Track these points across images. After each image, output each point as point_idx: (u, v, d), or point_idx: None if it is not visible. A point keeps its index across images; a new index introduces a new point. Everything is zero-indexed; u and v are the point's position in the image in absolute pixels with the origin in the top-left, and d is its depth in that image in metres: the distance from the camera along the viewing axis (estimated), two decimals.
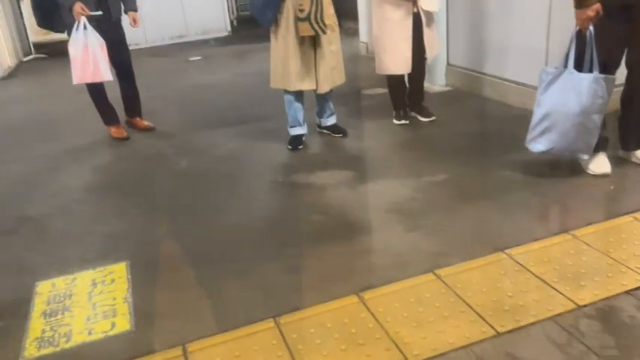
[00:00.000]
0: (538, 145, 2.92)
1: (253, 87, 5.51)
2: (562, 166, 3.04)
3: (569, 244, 2.34)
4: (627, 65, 2.86)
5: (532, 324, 1.89)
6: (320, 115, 3.97)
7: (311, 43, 3.49)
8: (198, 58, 7.76)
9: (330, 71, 3.61)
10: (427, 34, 3.81)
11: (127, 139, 4.21)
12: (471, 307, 2.00)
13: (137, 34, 8.98)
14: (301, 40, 3.44)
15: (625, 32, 2.72)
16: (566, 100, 2.78)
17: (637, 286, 2.03)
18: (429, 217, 2.68)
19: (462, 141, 3.69)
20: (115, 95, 4.35)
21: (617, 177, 2.90)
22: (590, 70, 2.74)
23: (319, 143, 3.89)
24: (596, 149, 2.95)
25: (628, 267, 2.15)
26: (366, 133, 4.00)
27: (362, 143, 3.83)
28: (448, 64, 5.07)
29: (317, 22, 3.28)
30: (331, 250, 2.46)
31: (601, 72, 2.72)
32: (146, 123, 4.43)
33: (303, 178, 3.29)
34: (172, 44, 9.07)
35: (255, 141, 3.99)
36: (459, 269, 2.23)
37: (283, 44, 3.49)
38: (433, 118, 4.06)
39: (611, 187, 2.81)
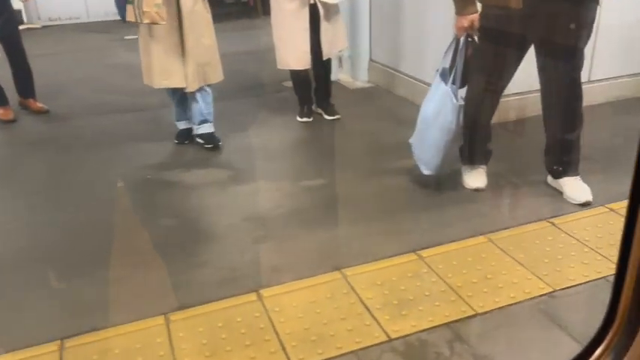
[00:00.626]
0: (412, 138, 2.82)
1: None
2: (450, 175, 2.91)
3: (411, 266, 2.20)
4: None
5: (334, 358, 1.76)
6: (191, 119, 3.46)
7: (177, 36, 3.12)
8: (135, 37, 7.44)
9: (201, 68, 3.23)
10: (326, 28, 3.59)
11: (12, 121, 3.96)
12: (278, 335, 1.86)
13: (78, 7, 8.66)
14: (163, 31, 3.09)
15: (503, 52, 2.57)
16: (427, 102, 2.69)
17: (458, 317, 1.91)
18: (284, 228, 2.53)
19: (358, 143, 3.54)
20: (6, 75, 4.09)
21: (487, 193, 2.78)
22: (454, 82, 2.58)
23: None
24: (475, 162, 2.82)
25: (459, 295, 2.03)
26: (266, 129, 3.81)
27: (255, 140, 3.63)
28: (371, 59, 4.91)
29: (138, 8, 2.91)
30: (160, 262, 2.29)
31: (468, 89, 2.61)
32: (39, 105, 4.16)
33: (176, 176, 3.10)
34: (116, 20, 8.70)
35: (145, 131, 3.76)
36: (286, 289, 2.08)
37: (144, 37, 3.18)
38: (337, 116, 3.88)
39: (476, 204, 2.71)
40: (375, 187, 2.89)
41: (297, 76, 3.85)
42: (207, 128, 3.44)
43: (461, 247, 2.32)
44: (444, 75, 2.62)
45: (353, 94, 4.62)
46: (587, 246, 2.31)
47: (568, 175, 2.72)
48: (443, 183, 2.85)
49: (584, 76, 3.87)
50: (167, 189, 2.96)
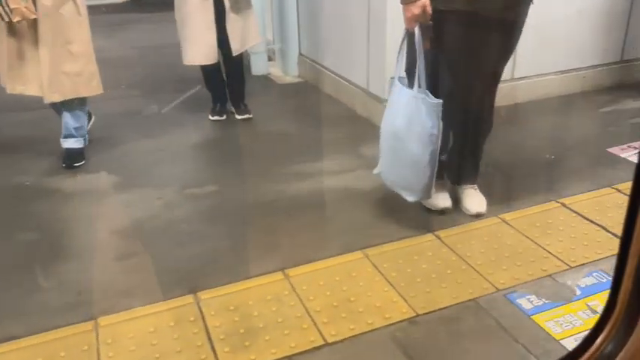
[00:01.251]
0: (378, 167, 2.42)
1: (106, 62, 5.01)
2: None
3: (273, 288, 2.03)
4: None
5: None
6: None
7: (32, 39, 2.74)
8: None
9: (68, 78, 2.84)
10: (234, 22, 3.38)
11: None
12: None
13: None
14: (13, 30, 2.73)
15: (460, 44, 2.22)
16: (387, 116, 2.31)
17: (304, 349, 1.76)
18: (153, 244, 2.34)
19: (267, 145, 3.35)
20: None
21: (379, 203, 2.62)
22: (420, 85, 2.18)
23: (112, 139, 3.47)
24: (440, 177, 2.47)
25: (314, 321, 1.86)
26: (173, 128, 3.58)
27: (157, 141, 3.40)
28: (300, 53, 4.71)
29: (6, 6, 2.58)
30: (3, 284, 2.10)
31: (431, 89, 2.18)
32: None
33: (57, 182, 2.88)
34: None
35: (40, 131, 3.51)
36: (127, 317, 1.90)
37: (1, 36, 2.78)
38: (247, 116, 3.67)
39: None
40: (269, 196, 2.71)
41: (206, 71, 3.64)
42: (70, 143, 3.06)
43: (332, 265, 2.16)
44: (403, 80, 2.26)
45: (279, 89, 4.43)
46: (466, 262, 2.17)
47: (466, 184, 2.59)
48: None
49: (507, 74, 3.78)
50: (42, 197, 2.74)
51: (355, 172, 2.93)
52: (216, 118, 3.69)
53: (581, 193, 2.64)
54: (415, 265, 2.16)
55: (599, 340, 0.78)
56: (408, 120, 2.20)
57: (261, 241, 2.33)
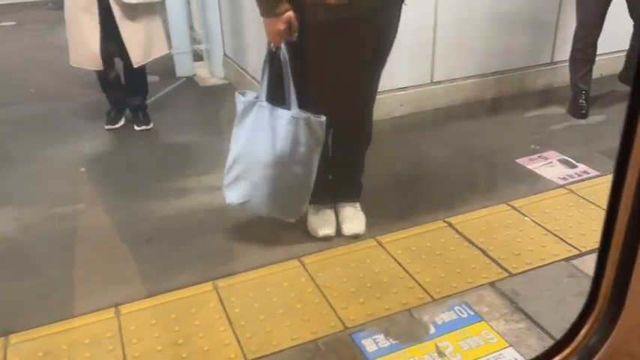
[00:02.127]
0: (232, 193, 2.19)
1: (26, 63, 4.80)
2: None
3: (99, 328, 1.84)
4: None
5: None
6: None
7: None
8: (12, 23, 6.86)
9: None
10: (131, 31, 3.11)
11: None
12: None
13: None
14: None
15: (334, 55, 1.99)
16: (256, 143, 2.08)
17: None
18: None
19: (157, 157, 3.14)
20: None
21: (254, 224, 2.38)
22: (289, 108, 2.00)
23: None
24: (322, 201, 2.33)
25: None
26: (66, 136, 3.33)
27: (43, 152, 3.14)
28: (224, 54, 4.49)
29: None
30: None
31: (307, 107, 2.00)
32: None
33: None
34: (7, 4, 8.06)
35: None
36: None
37: None
38: (144, 127, 3.41)
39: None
40: (136, 216, 2.49)
41: (98, 75, 3.37)
42: None
43: (174, 299, 1.95)
44: (273, 99, 2.03)
45: (198, 93, 4.21)
46: (322, 294, 1.97)
47: (344, 201, 2.39)
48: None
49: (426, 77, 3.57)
50: None
51: None
52: (109, 127, 3.43)
53: (473, 210, 2.45)
54: (265, 298, 1.96)
55: (582, 332, 0.78)
56: (292, 142, 2.01)
57: (104, 272, 2.12)
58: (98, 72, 3.31)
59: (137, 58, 3.21)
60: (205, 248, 2.26)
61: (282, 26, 1.90)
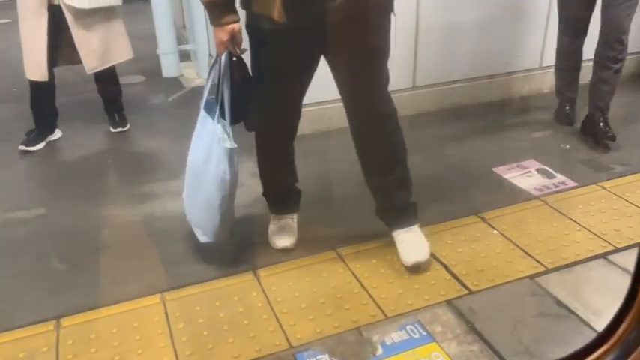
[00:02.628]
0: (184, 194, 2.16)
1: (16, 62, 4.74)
2: None
3: (35, 342, 1.78)
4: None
5: None
6: None
7: None
8: (7, 20, 6.85)
9: None
10: (85, 35, 2.96)
11: None
12: None
13: None
14: None
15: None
16: (193, 146, 2.05)
17: None
18: None
19: (128, 160, 3.09)
20: None
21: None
22: (222, 117, 1.93)
23: None
24: (281, 210, 2.26)
25: None
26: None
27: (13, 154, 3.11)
28: (210, 54, 4.43)
29: None
30: None
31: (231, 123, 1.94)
32: None
33: None
34: (2, 1, 8.06)
35: None
36: None
37: None
38: (120, 129, 3.34)
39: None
40: (94, 223, 2.43)
41: (33, 88, 3.09)
42: None
43: (116, 313, 1.89)
44: (209, 108, 1.97)
45: (181, 94, 4.14)
46: (271, 309, 1.89)
47: (398, 228, 2.14)
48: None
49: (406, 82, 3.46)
50: None
51: None
52: (22, 148, 3.09)
53: (440, 223, 2.36)
54: (212, 312, 1.89)
55: (622, 328, 0.78)
56: (206, 156, 1.95)
57: (50, 282, 2.06)
58: (32, 83, 3.07)
59: (91, 65, 3.06)
60: (160, 258, 2.19)
61: (225, 37, 1.86)
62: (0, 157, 3.08)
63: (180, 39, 4.71)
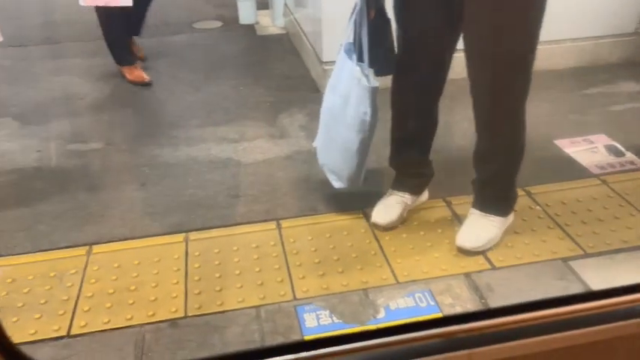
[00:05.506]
0: (316, 140, 2.13)
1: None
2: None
3: (65, 264, 1.92)
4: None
5: None
6: None
7: None
8: None
9: None
10: None
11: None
12: None
13: None
14: None
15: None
16: (331, 89, 1.97)
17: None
18: None
19: (183, 103, 3.14)
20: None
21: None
22: (361, 59, 1.84)
23: None
24: (394, 186, 2.10)
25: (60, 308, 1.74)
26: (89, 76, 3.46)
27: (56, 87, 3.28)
28: (285, 4, 4.38)
29: None
30: None
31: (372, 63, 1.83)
32: None
33: None
34: None
35: None
36: None
37: None
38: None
39: None
40: (140, 160, 2.52)
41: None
42: None
43: (146, 246, 1.99)
44: (348, 50, 1.88)
45: (249, 42, 4.13)
46: (286, 262, 1.91)
47: (474, 206, 2.00)
48: None
49: None
50: None
51: (253, 142, 2.68)
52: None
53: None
54: (228, 257, 1.94)
55: None
56: (344, 99, 1.89)
57: (89, 212, 2.19)
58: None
59: None
60: (192, 199, 2.27)
61: None
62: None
63: None
